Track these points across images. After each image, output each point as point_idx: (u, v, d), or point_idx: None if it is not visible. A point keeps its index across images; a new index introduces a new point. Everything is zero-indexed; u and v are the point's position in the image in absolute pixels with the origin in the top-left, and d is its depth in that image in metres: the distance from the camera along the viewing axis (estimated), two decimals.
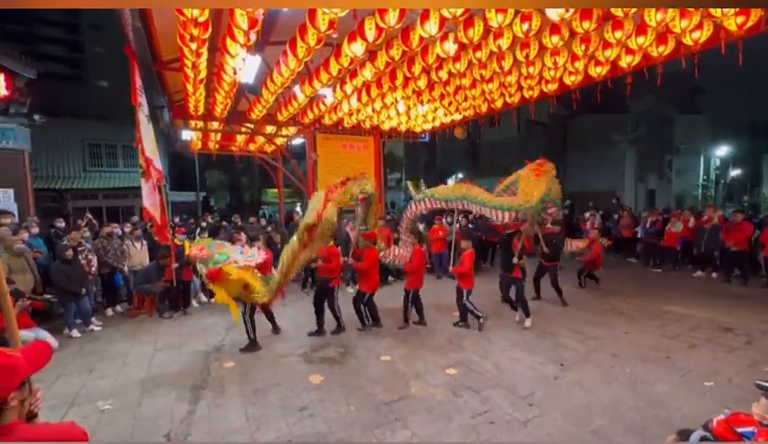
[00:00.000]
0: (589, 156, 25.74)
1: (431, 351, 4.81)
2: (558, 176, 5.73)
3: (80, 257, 6.07)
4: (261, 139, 12.59)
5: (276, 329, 5.66)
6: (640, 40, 5.22)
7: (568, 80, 7.14)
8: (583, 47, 5.51)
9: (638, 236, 10.36)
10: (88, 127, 18.55)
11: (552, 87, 7.69)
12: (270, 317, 5.65)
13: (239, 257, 4.68)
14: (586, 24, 4.72)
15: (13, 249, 5.67)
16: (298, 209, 15.44)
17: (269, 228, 9.23)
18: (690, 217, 9.25)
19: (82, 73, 33.54)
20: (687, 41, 5.20)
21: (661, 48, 5.52)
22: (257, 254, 4.95)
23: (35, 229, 6.77)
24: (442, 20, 4.53)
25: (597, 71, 6.54)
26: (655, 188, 25.77)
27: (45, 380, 4.11)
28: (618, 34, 5.03)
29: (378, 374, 4.25)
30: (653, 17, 4.69)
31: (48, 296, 5.58)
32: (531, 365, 4.34)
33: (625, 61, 6.00)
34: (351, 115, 9.43)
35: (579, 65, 6.33)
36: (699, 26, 4.98)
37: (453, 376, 4.14)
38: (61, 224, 7.87)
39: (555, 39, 5.23)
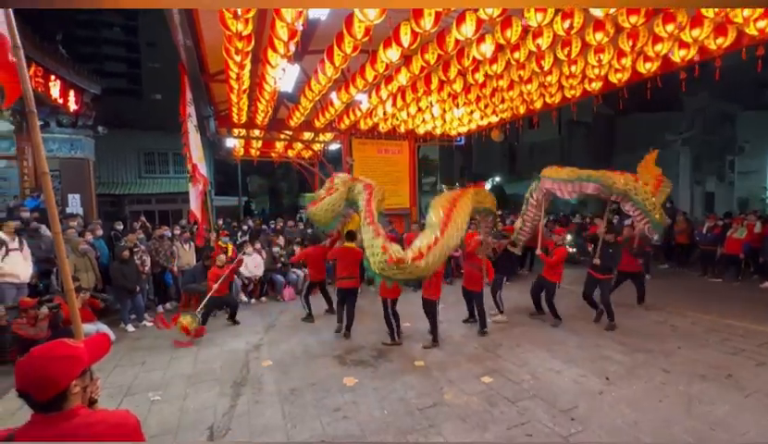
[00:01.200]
0: (639, 157, 24.15)
1: (466, 359, 4.71)
2: None
3: (135, 257, 6.55)
4: (299, 145, 13.02)
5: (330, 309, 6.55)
6: (695, 32, 4.86)
7: (614, 78, 6.76)
8: (630, 43, 5.19)
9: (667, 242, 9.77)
10: (143, 137, 20.10)
11: (596, 86, 7.33)
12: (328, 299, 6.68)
13: None
14: (633, 18, 4.44)
15: (78, 249, 6.23)
16: None
17: (309, 231, 9.52)
18: (756, 222, 8.43)
19: (139, 88, 36.32)
20: (751, 31, 4.77)
21: (719, 40, 5.10)
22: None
23: (99, 232, 7.39)
24: (479, 22, 4.47)
25: (646, 68, 6.15)
26: (714, 191, 23.73)
27: (104, 370, 4.46)
28: (670, 27, 4.72)
29: (412, 379, 4.22)
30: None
31: (105, 295, 6.17)
32: (573, 378, 4.13)
33: (679, 55, 5.61)
34: (386, 119, 9.51)
35: (626, 61, 5.98)
36: (766, 14, 4.57)
37: (489, 384, 4.03)
38: (119, 226, 8.54)
39: (599, 35, 4.98)
